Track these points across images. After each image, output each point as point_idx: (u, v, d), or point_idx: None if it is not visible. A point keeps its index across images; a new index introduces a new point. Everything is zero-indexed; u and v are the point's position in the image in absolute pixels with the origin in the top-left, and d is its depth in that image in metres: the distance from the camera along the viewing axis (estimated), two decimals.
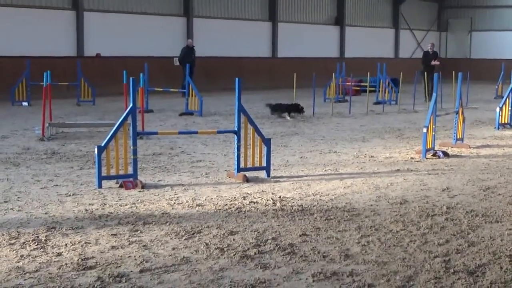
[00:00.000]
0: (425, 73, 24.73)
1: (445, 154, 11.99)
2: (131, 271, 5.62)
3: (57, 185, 9.09)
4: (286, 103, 18.67)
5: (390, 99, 23.17)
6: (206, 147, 12.71)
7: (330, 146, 13.17)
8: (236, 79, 9.60)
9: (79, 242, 6.41)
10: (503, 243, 6.58)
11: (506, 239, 6.72)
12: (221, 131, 12.30)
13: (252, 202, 8.25)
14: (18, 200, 8.16)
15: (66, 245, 6.32)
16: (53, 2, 25.14)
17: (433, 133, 12.06)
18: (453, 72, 19.65)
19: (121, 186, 8.92)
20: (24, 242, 6.39)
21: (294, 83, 18.79)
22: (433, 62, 25.20)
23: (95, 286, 5.29)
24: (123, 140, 9.12)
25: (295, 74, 19.22)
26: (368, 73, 21.54)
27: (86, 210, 7.70)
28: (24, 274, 5.52)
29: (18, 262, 5.82)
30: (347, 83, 24.37)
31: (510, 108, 16.34)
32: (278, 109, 18.31)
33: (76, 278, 5.45)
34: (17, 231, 6.75)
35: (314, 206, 8.07)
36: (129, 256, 6.01)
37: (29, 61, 21.31)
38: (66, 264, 5.76)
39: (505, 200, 8.52)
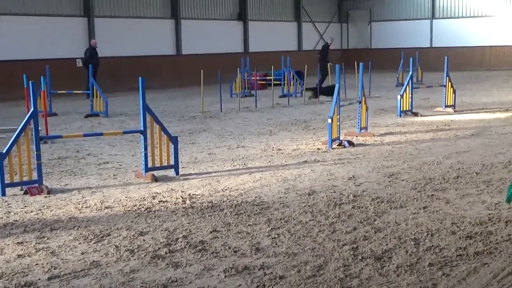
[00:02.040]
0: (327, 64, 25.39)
1: (350, 144, 12.25)
2: (39, 279, 5.50)
3: None
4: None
5: (295, 91, 23.41)
6: (113, 148, 12.54)
7: (238, 141, 13.24)
8: (140, 78, 9.50)
9: None
10: (408, 227, 6.78)
11: (410, 223, 6.93)
12: (127, 132, 12.14)
13: (161, 201, 8.21)
14: None
15: None
16: None
17: (338, 123, 12.30)
18: (355, 62, 20.04)
19: (26, 193, 8.70)
20: None
21: (201, 80, 18.74)
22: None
23: None
24: (26, 145, 8.88)
25: (201, 71, 19.16)
26: (272, 66, 21.70)
27: None
28: None
29: None
30: (253, 78, 24.52)
31: (410, 96, 16.84)
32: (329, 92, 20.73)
33: None
34: None
35: (223, 201, 8.10)
36: (37, 264, 5.87)
37: None
38: None
39: (409, 186, 8.78)
